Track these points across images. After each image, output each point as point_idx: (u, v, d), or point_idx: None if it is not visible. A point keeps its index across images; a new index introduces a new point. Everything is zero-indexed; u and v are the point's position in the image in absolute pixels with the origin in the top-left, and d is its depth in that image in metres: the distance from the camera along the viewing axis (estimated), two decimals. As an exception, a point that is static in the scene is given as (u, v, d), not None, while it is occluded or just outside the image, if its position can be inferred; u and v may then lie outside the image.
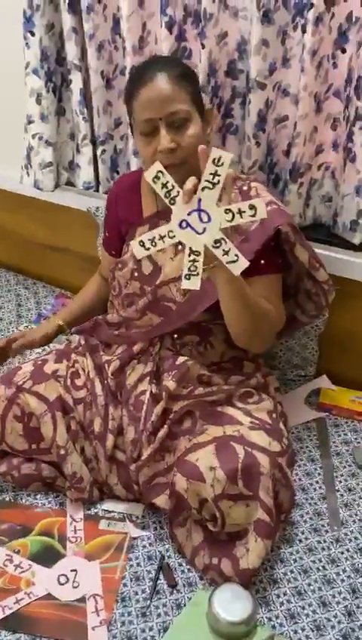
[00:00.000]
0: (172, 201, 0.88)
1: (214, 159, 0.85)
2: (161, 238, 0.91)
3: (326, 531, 1.11)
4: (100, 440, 1.16)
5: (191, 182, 0.86)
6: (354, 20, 1.18)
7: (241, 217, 0.88)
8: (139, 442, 1.13)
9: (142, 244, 0.92)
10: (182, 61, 1.17)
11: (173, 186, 0.88)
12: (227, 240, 0.89)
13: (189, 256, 0.91)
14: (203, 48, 1.28)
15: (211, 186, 0.86)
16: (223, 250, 0.89)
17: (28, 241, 1.93)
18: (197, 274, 0.91)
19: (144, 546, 1.09)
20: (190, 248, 0.90)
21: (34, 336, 1.37)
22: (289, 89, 1.30)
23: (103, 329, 1.31)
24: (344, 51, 1.22)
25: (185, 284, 0.92)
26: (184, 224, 0.89)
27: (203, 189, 0.87)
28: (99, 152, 1.56)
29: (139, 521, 1.14)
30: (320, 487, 1.20)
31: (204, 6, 1.23)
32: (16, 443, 1.18)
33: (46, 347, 1.36)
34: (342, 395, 1.41)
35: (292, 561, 1.07)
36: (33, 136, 1.58)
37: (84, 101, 1.51)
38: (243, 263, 0.90)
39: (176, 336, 1.22)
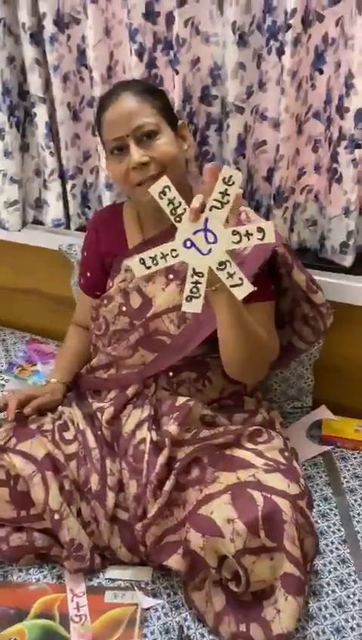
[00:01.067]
0: (177, 219, 0.84)
1: (224, 178, 0.80)
2: (164, 256, 0.86)
3: (354, 581, 1.02)
4: (99, 499, 1.04)
5: (198, 200, 0.81)
6: (330, 41, 1.16)
7: (249, 240, 0.84)
8: (144, 498, 1.02)
9: (142, 261, 0.86)
10: (146, 82, 1.17)
11: (180, 203, 0.83)
12: (232, 262, 0.85)
13: (192, 277, 0.87)
14: (176, 74, 1.23)
15: (220, 206, 0.82)
16: (228, 272, 0.86)
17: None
18: (199, 296, 0.87)
19: (159, 617, 0.97)
20: (193, 269, 0.86)
21: (53, 397, 1.19)
22: (266, 113, 1.27)
23: (86, 378, 1.21)
24: (321, 72, 1.19)
25: (186, 307, 0.87)
26: (188, 243, 0.85)
27: (211, 208, 0.82)
28: (68, 187, 1.48)
29: (149, 587, 1.02)
30: (339, 530, 1.11)
31: (176, 32, 1.19)
32: (1, 511, 1.05)
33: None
34: (344, 425, 1.35)
35: (322, 619, 0.97)
36: (-4, 174, 1.49)
37: (50, 134, 1.43)
38: (248, 287, 0.87)
39: (171, 374, 1.13)
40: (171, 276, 1.10)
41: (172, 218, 0.84)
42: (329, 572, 1.04)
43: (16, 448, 1.05)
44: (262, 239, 0.83)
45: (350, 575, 1.03)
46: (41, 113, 1.42)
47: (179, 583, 1.01)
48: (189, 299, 0.87)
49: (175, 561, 0.97)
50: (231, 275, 0.85)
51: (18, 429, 1.09)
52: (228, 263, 0.85)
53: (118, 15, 1.30)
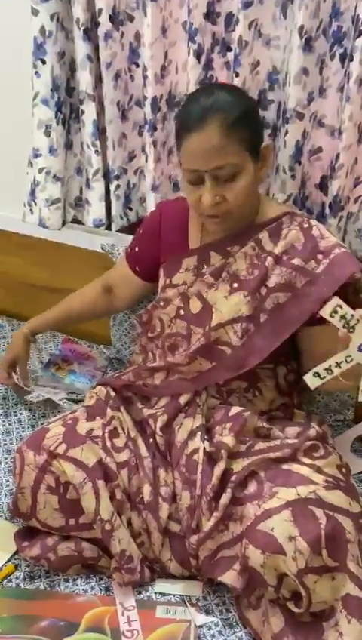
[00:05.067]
0: (351, 329, 0.88)
1: None
2: (338, 364, 0.91)
3: None
4: (151, 510, 1.01)
5: None
6: (396, 48, 1.13)
7: None
8: (198, 510, 0.99)
9: (316, 375, 0.91)
10: (243, 96, 1.06)
11: (352, 316, 0.88)
12: None
13: (338, 365, 0.90)
14: (236, 77, 1.21)
15: None
16: None
17: (24, 284, 1.78)
18: (324, 378, 0.91)
19: (213, 636, 0.94)
20: (345, 359, 0.90)
21: (13, 351, 1.37)
22: (324, 120, 1.24)
23: (135, 386, 1.17)
24: (385, 81, 1.17)
25: (308, 379, 0.91)
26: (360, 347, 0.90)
27: None
28: (113, 188, 1.45)
29: (200, 603, 0.99)
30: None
31: (239, 33, 1.17)
32: (50, 519, 1.02)
33: (72, 404, 1.21)
34: (389, 441, 1.32)
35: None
36: (40, 171, 1.46)
37: (97, 133, 1.41)
38: None
39: (221, 381, 1.10)
40: (236, 285, 1.07)
41: (345, 330, 0.87)
42: (384, 594, 1.01)
43: (67, 454, 1.02)
44: None
45: None
46: (89, 111, 1.39)
47: (231, 600, 0.98)
48: (316, 374, 0.91)
49: (230, 577, 0.94)
50: None
51: (68, 434, 1.06)
52: None
53: (175, 14, 1.28)
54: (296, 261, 1.04)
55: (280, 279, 1.04)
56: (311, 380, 0.91)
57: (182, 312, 1.11)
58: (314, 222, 1.08)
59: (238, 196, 1.00)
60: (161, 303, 1.14)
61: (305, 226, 1.07)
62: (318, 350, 1.03)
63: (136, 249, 1.26)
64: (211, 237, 1.12)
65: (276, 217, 1.08)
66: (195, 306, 1.10)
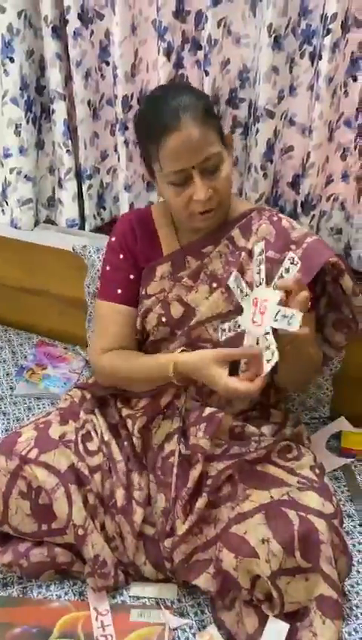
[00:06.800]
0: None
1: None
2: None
3: (385, 601, 1.00)
4: (125, 514, 1.00)
5: None
6: (366, 47, 1.13)
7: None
8: (172, 512, 0.98)
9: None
10: (199, 91, 1.06)
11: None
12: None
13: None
14: (206, 75, 1.20)
15: None
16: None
17: (-2, 285, 1.76)
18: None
19: (187, 638, 0.94)
20: None
21: None
22: (295, 118, 1.24)
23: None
24: (355, 79, 1.17)
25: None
26: None
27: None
28: (85, 187, 1.43)
29: (175, 606, 0.98)
30: (366, 547, 1.09)
31: (208, 32, 1.16)
32: (22, 524, 1.01)
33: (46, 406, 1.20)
34: (364, 438, 1.33)
35: (354, 642, 0.94)
36: (10, 171, 1.44)
37: (68, 132, 1.39)
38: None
39: (201, 383, 1.10)
40: (215, 284, 1.07)
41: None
42: (357, 593, 1.01)
43: (39, 459, 1.01)
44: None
45: (380, 596, 1.01)
46: (60, 110, 1.37)
47: (206, 602, 0.98)
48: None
49: (205, 581, 0.94)
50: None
51: (40, 438, 1.04)
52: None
53: (145, 12, 1.26)
54: (270, 254, 1.03)
55: None
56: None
57: (163, 319, 1.09)
58: (282, 215, 1.10)
59: (225, 185, 1.01)
60: (141, 313, 1.13)
61: (275, 219, 1.08)
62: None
63: (131, 277, 1.13)
64: (187, 238, 1.11)
65: (244, 213, 1.10)
66: (177, 311, 1.08)
